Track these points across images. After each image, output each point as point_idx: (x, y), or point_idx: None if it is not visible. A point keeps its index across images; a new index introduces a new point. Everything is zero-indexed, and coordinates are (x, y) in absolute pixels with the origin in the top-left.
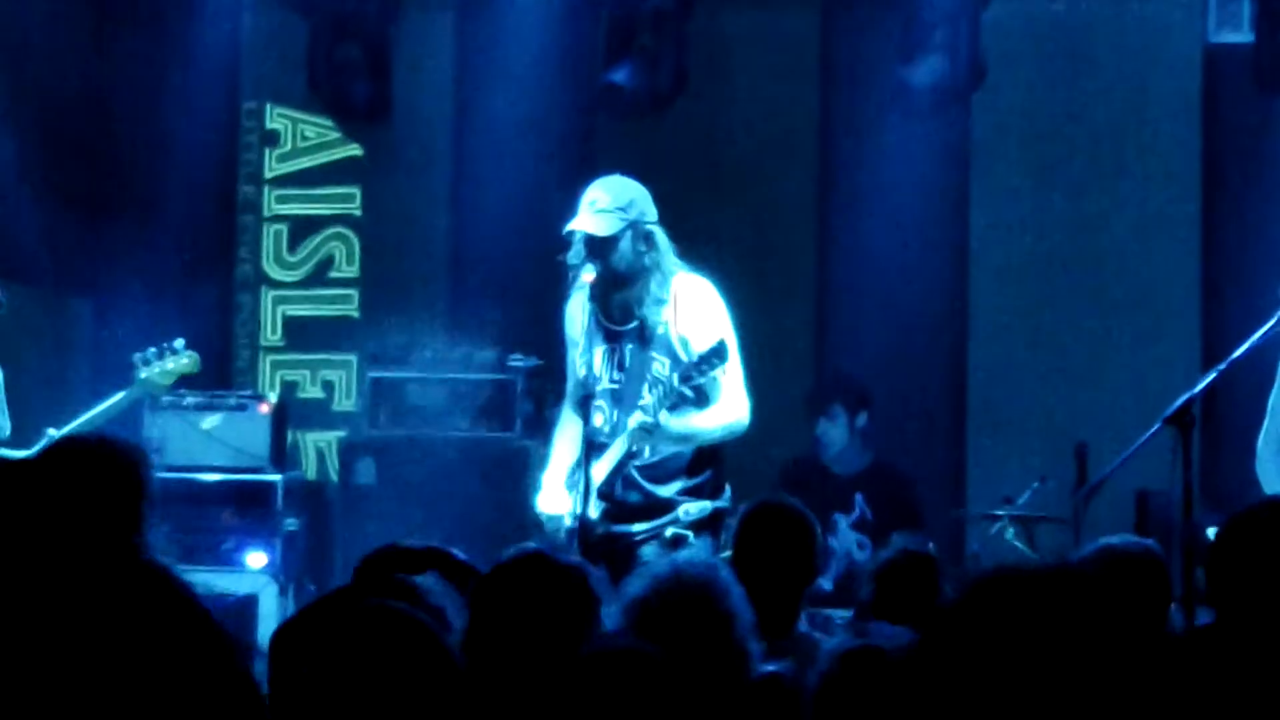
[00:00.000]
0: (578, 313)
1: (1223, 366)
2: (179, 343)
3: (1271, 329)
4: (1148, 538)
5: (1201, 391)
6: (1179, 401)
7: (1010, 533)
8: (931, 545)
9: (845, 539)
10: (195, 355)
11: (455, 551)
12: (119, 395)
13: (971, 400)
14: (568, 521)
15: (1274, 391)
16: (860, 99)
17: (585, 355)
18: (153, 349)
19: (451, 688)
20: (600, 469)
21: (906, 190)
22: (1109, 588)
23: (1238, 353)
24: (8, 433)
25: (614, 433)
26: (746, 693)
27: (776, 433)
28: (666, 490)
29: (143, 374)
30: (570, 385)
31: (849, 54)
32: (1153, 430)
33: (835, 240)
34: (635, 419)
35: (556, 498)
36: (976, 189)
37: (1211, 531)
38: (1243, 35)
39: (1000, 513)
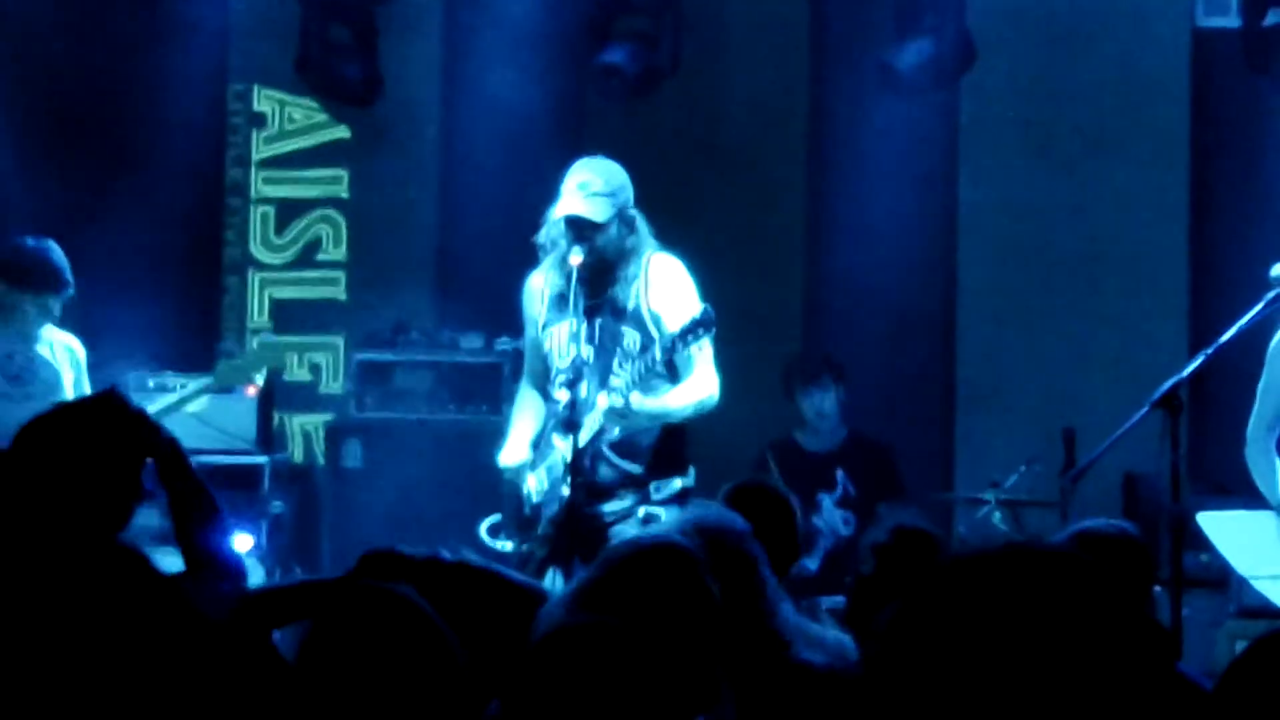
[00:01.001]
0: (538, 288)
1: (1211, 350)
2: (265, 336)
3: (1260, 312)
4: (1136, 521)
5: (1190, 375)
6: (1167, 384)
7: (997, 516)
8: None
9: (831, 517)
10: (279, 352)
11: (444, 553)
12: (197, 383)
13: (960, 382)
14: (535, 496)
15: (1263, 377)
16: (850, 79)
17: (557, 328)
18: (235, 340)
19: (451, 678)
20: (569, 445)
21: (895, 171)
22: (1087, 569)
23: (1226, 336)
24: None
25: (584, 406)
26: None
27: (765, 410)
28: (637, 467)
29: (222, 365)
30: (528, 361)
31: (839, 34)
32: (1141, 413)
33: (824, 221)
34: (606, 400)
35: (515, 450)
36: (965, 171)
37: (1200, 515)
38: (1230, 20)
39: (987, 496)
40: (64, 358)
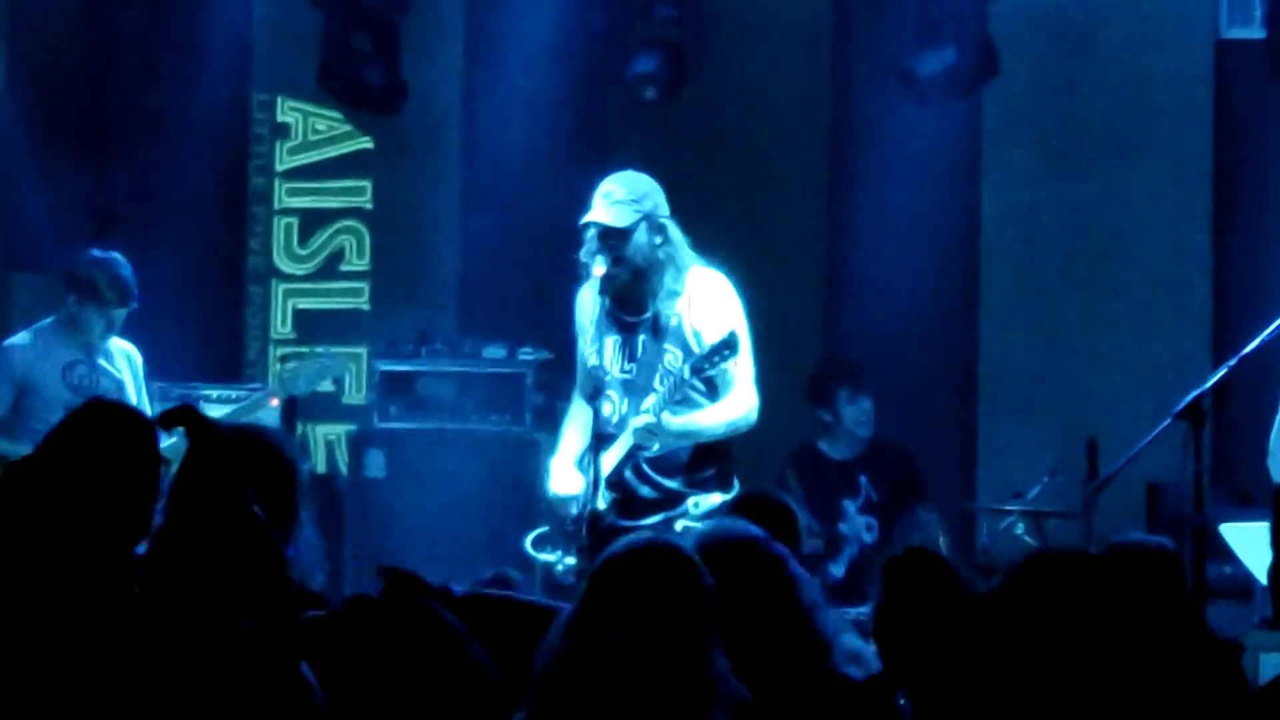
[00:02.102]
0: (587, 302)
1: (1234, 361)
2: (321, 347)
3: None
4: (1159, 531)
5: (1213, 385)
6: (1190, 396)
7: (1020, 527)
8: (943, 539)
9: (854, 524)
10: (338, 360)
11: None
12: (255, 394)
13: (982, 391)
14: (575, 508)
15: None
16: (872, 86)
17: (595, 345)
18: (295, 349)
19: (480, 690)
20: (609, 460)
21: (917, 177)
22: (1128, 582)
23: (1250, 347)
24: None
25: (623, 423)
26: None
27: (784, 418)
28: (676, 483)
29: (283, 374)
30: (580, 374)
31: (861, 41)
32: (1164, 425)
33: (846, 227)
34: (639, 420)
35: (568, 479)
36: (987, 177)
37: (1222, 526)
38: (1254, 31)
39: (1010, 507)
40: (124, 365)
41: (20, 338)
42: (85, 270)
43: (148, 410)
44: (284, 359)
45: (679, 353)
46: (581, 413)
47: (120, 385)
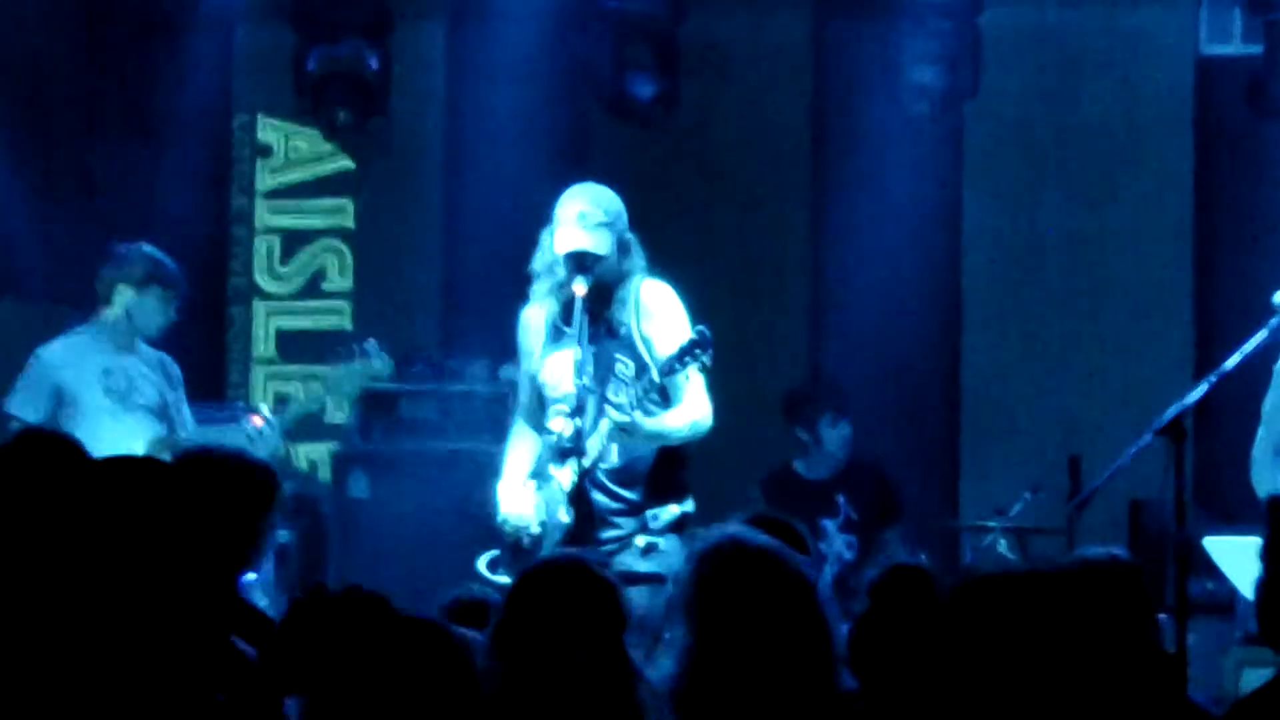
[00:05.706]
0: (536, 321)
1: (1214, 378)
2: (370, 344)
3: (1264, 339)
4: (1142, 547)
5: (1194, 402)
6: (1171, 412)
7: (1003, 544)
8: (923, 556)
9: (834, 543)
10: (387, 359)
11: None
12: (306, 397)
13: (965, 409)
14: (534, 528)
15: (1268, 398)
16: (854, 105)
17: (576, 359)
18: (343, 349)
19: (471, 698)
20: (568, 473)
21: (900, 197)
22: (1086, 596)
23: (1230, 363)
24: (193, 428)
25: (580, 436)
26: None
27: (766, 436)
28: (634, 494)
29: (325, 374)
30: (524, 396)
31: (842, 59)
32: (1144, 441)
33: (828, 246)
34: (612, 419)
35: (521, 500)
36: (969, 197)
37: (1206, 540)
38: (1234, 47)
39: (993, 524)
40: (159, 373)
41: (54, 346)
42: (139, 259)
43: (188, 419)
44: (332, 353)
45: (630, 362)
46: (526, 434)
47: (160, 391)
